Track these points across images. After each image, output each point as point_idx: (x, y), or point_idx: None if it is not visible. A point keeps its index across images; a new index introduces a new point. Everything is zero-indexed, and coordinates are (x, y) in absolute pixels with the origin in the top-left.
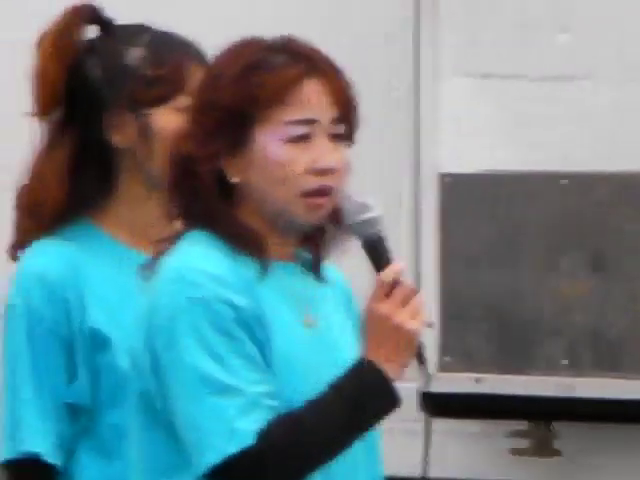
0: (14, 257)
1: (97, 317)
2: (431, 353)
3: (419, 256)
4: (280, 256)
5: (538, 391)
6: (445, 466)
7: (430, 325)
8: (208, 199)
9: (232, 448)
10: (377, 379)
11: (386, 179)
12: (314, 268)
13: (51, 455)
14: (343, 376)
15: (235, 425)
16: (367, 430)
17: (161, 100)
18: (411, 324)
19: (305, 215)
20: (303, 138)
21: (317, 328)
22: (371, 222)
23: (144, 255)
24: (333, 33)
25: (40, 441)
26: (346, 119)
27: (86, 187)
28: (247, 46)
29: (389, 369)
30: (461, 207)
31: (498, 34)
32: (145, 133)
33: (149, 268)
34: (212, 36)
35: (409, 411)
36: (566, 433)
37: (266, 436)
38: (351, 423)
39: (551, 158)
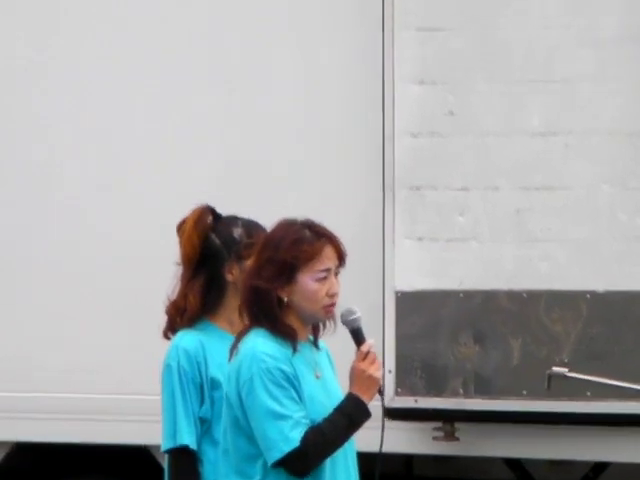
0: (167, 337)
1: (214, 371)
2: (391, 387)
3: (384, 336)
4: (302, 338)
5: (446, 406)
6: (398, 445)
7: (390, 371)
8: (270, 310)
9: (287, 448)
10: (360, 405)
11: (366, 294)
12: (315, 343)
13: (194, 445)
14: (341, 403)
15: (288, 435)
16: (354, 433)
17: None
18: (376, 374)
19: (324, 317)
20: (324, 278)
21: (321, 378)
22: (356, 319)
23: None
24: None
25: (188, 437)
26: (342, 265)
27: (208, 302)
28: (292, 225)
29: (365, 399)
30: (406, 308)
31: (434, 226)
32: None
33: (234, 347)
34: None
35: (375, 417)
36: (462, 429)
37: (304, 440)
38: (347, 429)
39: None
